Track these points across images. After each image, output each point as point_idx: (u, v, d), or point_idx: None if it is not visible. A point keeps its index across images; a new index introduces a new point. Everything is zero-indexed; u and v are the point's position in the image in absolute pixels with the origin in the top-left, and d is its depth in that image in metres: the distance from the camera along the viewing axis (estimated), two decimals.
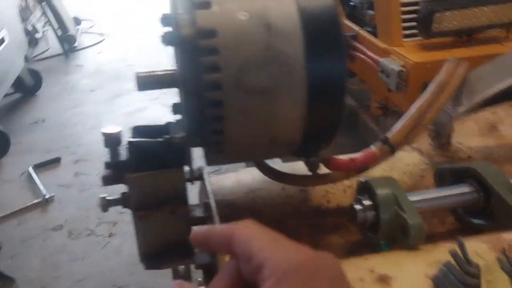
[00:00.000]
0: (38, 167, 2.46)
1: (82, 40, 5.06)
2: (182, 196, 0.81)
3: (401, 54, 1.54)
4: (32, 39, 4.48)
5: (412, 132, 0.78)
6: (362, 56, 1.79)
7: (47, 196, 2.17)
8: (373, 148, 0.76)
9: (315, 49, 0.65)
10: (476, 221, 0.73)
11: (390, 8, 1.61)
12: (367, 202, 0.70)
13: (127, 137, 0.78)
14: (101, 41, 5.14)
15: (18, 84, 3.32)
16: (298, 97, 0.66)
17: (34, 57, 4.18)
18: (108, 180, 0.79)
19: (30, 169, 2.42)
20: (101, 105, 3.33)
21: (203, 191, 0.88)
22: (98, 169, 2.44)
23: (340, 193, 0.82)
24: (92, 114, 3.18)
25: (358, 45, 1.84)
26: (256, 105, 0.65)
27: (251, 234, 0.37)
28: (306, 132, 0.69)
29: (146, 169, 0.78)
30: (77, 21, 5.28)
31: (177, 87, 0.77)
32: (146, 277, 1.65)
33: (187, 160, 0.79)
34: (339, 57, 0.66)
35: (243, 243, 0.36)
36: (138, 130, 0.80)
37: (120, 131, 0.79)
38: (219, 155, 0.71)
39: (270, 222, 0.80)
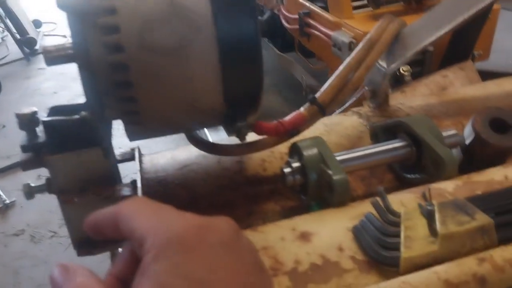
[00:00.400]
0: None
1: (45, 43, 4.93)
2: (106, 177, 0.77)
3: (351, 25, 1.52)
4: None
5: (342, 91, 0.75)
6: (316, 32, 1.77)
7: (7, 202, 2.10)
8: (301, 110, 0.73)
9: (223, 4, 0.61)
10: (410, 176, 0.71)
11: None
12: (295, 164, 0.67)
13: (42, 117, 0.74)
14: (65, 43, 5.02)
15: None
16: (210, 57, 0.62)
17: None
18: (27, 165, 0.75)
19: None
20: None
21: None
22: None
23: (277, 161, 0.79)
24: None
25: (311, 21, 1.81)
26: (166, 67, 0.61)
27: (133, 210, 0.34)
28: (227, 95, 0.66)
29: (65, 150, 0.74)
30: (37, 24, 5.15)
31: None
32: None
33: (104, 138, 0.75)
34: (249, 14, 0.63)
35: (126, 220, 0.34)
36: (56, 110, 0.76)
37: (35, 111, 0.74)
38: (137, 128, 0.68)
39: (203, 195, 0.77)
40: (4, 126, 2.99)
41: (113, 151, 0.79)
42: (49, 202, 2.09)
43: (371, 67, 0.78)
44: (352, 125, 0.85)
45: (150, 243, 0.31)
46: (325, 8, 1.73)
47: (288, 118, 0.72)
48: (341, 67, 0.76)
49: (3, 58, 4.37)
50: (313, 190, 0.65)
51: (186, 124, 0.72)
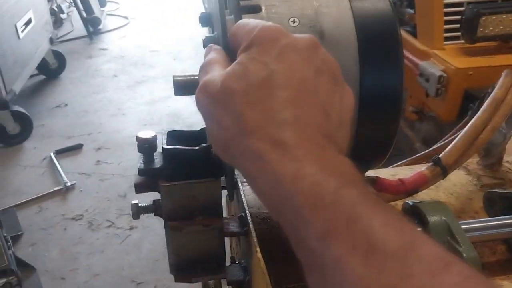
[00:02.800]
0: (60, 153, 2.45)
1: (107, 22, 5.04)
2: (216, 208, 0.77)
3: (442, 58, 1.47)
4: (56, 20, 4.49)
5: (465, 153, 0.73)
6: None
7: (68, 184, 2.16)
8: (424, 170, 0.71)
9: (371, 60, 0.59)
10: None
11: (432, 8, 1.54)
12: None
13: (162, 143, 0.74)
14: (126, 24, 5.12)
15: (42, 66, 3.32)
16: None
17: (58, 38, 4.16)
18: (140, 188, 0.75)
19: (52, 155, 2.42)
20: (123, 92, 3.31)
21: (235, 201, 0.84)
22: (119, 158, 2.43)
23: None
24: (114, 100, 3.16)
25: None
26: None
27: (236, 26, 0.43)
28: (354, 150, 0.65)
29: (181, 177, 0.74)
30: (102, 3, 5.26)
31: None
32: (166, 275, 1.63)
33: (226, 170, 0.75)
34: (397, 71, 0.61)
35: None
36: (173, 135, 0.76)
37: (154, 136, 0.75)
38: None
39: None
40: (66, 105, 3.07)
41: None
42: (107, 190, 2.14)
43: (496, 129, 0.75)
44: (460, 182, 0.82)
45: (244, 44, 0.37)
46: (413, 34, 1.68)
47: (409, 177, 0.70)
48: (466, 129, 0.73)
49: (67, 34, 4.49)
50: None
51: None
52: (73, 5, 4.53)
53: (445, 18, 1.54)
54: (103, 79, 3.54)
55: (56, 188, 2.15)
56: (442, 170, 0.71)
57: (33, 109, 2.89)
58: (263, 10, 0.59)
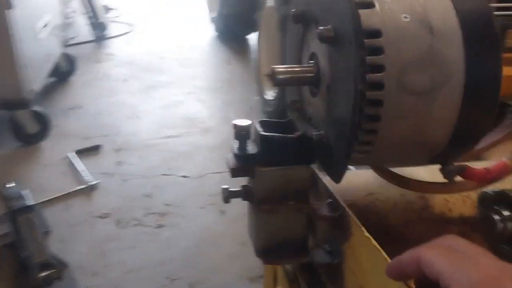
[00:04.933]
0: (79, 153, 2.46)
1: (110, 29, 5.07)
2: (306, 193, 0.81)
3: None
4: (67, 24, 4.50)
5: None
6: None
7: (92, 183, 2.17)
8: (505, 159, 0.76)
9: (474, 52, 0.65)
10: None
11: None
12: (506, 213, 0.70)
13: (258, 131, 0.78)
14: (130, 31, 5.16)
15: (54, 68, 3.33)
16: (453, 101, 0.66)
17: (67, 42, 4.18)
18: (236, 172, 0.79)
19: (73, 154, 2.43)
20: (136, 96, 3.34)
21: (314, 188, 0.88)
22: (139, 159, 2.45)
23: (460, 202, 0.82)
24: (128, 104, 3.19)
25: None
26: (413, 107, 0.65)
27: (436, 255, 0.41)
28: (452, 138, 0.69)
29: (275, 163, 0.78)
30: (107, 9, 5.30)
31: (314, 86, 0.77)
32: (199, 271, 1.66)
33: (317, 158, 0.80)
34: (496, 61, 0.66)
35: (430, 264, 0.41)
36: (265, 124, 0.80)
37: (250, 124, 0.79)
38: (363, 156, 0.71)
39: (393, 226, 0.81)
40: (81, 107, 3.08)
41: None
42: (131, 190, 2.16)
43: None
44: None
45: None
46: None
47: (495, 166, 0.74)
48: None
49: (73, 38, 4.50)
50: None
51: (403, 161, 0.75)
52: (84, 11, 4.54)
53: None
54: (114, 83, 3.56)
55: (81, 187, 2.16)
56: None
57: (48, 110, 2.90)
58: (377, 5, 0.64)
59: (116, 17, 5.79)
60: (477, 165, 0.76)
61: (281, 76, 0.74)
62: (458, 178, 0.77)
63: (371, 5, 0.64)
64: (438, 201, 0.82)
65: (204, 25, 5.36)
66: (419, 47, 0.63)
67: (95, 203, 2.08)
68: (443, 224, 0.79)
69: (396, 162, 0.75)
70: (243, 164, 0.79)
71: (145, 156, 2.47)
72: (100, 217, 1.99)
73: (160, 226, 1.91)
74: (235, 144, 0.80)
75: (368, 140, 0.68)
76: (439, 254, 0.41)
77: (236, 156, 0.79)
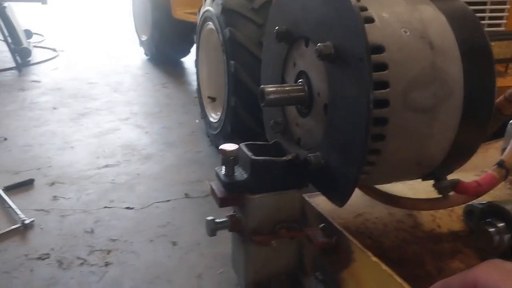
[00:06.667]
0: (10, 189, 2.24)
1: (34, 54, 4.78)
2: (297, 220, 0.76)
3: None
4: None
5: None
6: None
7: (26, 221, 1.97)
8: (491, 172, 0.76)
9: (471, 70, 0.64)
10: None
11: None
12: (500, 224, 0.69)
13: (247, 154, 0.73)
14: (56, 56, 4.90)
15: None
16: (453, 117, 0.65)
17: None
18: (226, 202, 0.73)
19: (1, 191, 2.20)
20: (67, 124, 3.13)
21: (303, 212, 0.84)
22: (77, 193, 2.28)
23: (446, 217, 0.81)
24: (59, 133, 2.98)
25: None
26: (416, 124, 0.63)
27: (499, 281, 0.39)
28: (449, 154, 0.68)
29: (267, 189, 0.73)
30: (28, 34, 4.99)
31: (305, 105, 0.73)
32: None
33: (308, 181, 0.75)
34: (491, 79, 0.66)
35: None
36: (252, 148, 0.75)
37: (237, 149, 0.73)
38: (364, 177, 0.68)
39: (389, 248, 0.78)
40: (5, 139, 2.83)
41: None
42: (71, 227, 1.99)
43: None
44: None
45: None
46: None
47: (483, 179, 0.75)
48: None
49: None
50: None
51: (397, 178, 0.73)
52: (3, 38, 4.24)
53: None
54: (41, 112, 3.33)
55: (13, 227, 1.96)
56: (506, 171, 0.77)
57: None
58: (376, 20, 0.62)
59: (40, 41, 5.50)
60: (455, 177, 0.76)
61: (271, 96, 0.69)
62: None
63: (371, 20, 0.62)
64: (426, 218, 0.81)
65: (133, 48, 5.21)
66: (422, 63, 0.62)
67: (32, 244, 1.89)
68: (436, 242, 0.78)
69: (390, 180, 0.73)
70: (231, 193, 0.73)
71: (82, 189, 2.30)
72: (39, 258, 1.80)
73: (107, 264, 1.76)
74: (221, 171, 0.74)
75: (372, 160, 0.65)
76: (501, 279, 0.38)
77: (224, 184, 0.73)
